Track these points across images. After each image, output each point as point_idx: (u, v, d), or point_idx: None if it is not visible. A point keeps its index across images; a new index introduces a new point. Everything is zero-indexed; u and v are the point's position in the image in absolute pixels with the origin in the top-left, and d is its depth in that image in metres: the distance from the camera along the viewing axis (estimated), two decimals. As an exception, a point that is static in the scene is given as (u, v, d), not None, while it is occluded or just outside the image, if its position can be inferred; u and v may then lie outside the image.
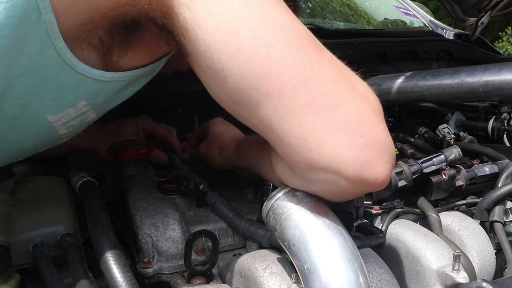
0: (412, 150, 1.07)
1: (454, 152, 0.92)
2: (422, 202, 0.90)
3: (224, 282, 0.73)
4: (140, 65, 0.70)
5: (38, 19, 0.55)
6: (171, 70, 0.85)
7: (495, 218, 0.88)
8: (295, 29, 0.58)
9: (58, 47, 0.59)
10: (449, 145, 1.10)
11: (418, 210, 0.90)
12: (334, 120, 0.54)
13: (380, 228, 0.83)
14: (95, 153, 1.06)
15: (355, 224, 0.80)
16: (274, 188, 0.66)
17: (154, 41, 0.65)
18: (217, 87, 0.60)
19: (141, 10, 0.60)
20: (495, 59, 1.70)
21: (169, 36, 0.62)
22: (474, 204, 0.95)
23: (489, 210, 0.90)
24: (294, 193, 0.62)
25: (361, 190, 0.59)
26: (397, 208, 0.88)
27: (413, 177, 0.89)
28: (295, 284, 0.60)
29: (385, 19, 2.27)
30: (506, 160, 1.01)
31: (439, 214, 0.87)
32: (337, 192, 0.59)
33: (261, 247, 0.75)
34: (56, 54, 0.59)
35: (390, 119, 1.39)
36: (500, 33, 7.42)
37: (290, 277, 0.61)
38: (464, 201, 0.96)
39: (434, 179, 0.90)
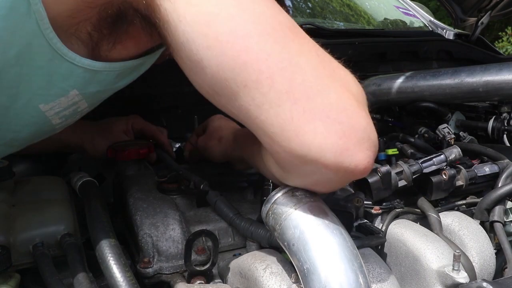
0: (412, 150, 1.07)
1: (454, 152, 0.92)
2: (422, 202, 0.90)
3: (224, 282, 0.73)
4: (130, 57, 0.70)
5: (27, 10, 0.55)
6: (163, 59, 0.85)
7: (495, 218, 0.88)
8: (274, 18, 0.57)
9: (48, 37, 0.59)
10: (449, 145, 1.10)
11: (418, 210, 0.90)
12: (312, 108, 0.53)
13: (380, 228, 0.83)
14: (83, 150, 1.06)
15: (355, 224, 0.80)
16: (274, 188, 0.66)
17: (140, 34, 0.66)
18: (198, 78, 0.60)
19: (125, 0, 0.61)
20: (495, 59, 1.70)
21: (152, 28, 0.62)
22: (474, 204, 0.95)
23: (489, 210, 0.90)
24: (294, 193, 0.62)
25: (344, 178, 0.58)
26: (397, 208, 0.88)
27: (413, 177, 0.89)
28: (295, 284, 0.60)
29: (385, 19, 2.26)
30: (506, 160, 1.01)
31: (439, 214, 0.87)
32: (321, 181, 0.59)
33: (261, 247, 0.75)
34: (46, 44, 0.59)
35: (390, 119, 1.39)
36: (500, 33, 7.41)
37: (290, 277, 0.61)
38: (464, 201, 0.97)
39: (434, 179, 0.90)
